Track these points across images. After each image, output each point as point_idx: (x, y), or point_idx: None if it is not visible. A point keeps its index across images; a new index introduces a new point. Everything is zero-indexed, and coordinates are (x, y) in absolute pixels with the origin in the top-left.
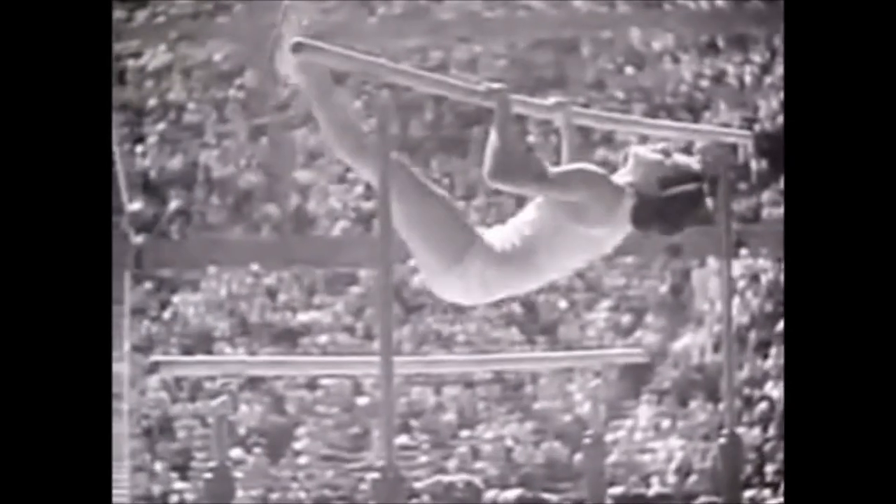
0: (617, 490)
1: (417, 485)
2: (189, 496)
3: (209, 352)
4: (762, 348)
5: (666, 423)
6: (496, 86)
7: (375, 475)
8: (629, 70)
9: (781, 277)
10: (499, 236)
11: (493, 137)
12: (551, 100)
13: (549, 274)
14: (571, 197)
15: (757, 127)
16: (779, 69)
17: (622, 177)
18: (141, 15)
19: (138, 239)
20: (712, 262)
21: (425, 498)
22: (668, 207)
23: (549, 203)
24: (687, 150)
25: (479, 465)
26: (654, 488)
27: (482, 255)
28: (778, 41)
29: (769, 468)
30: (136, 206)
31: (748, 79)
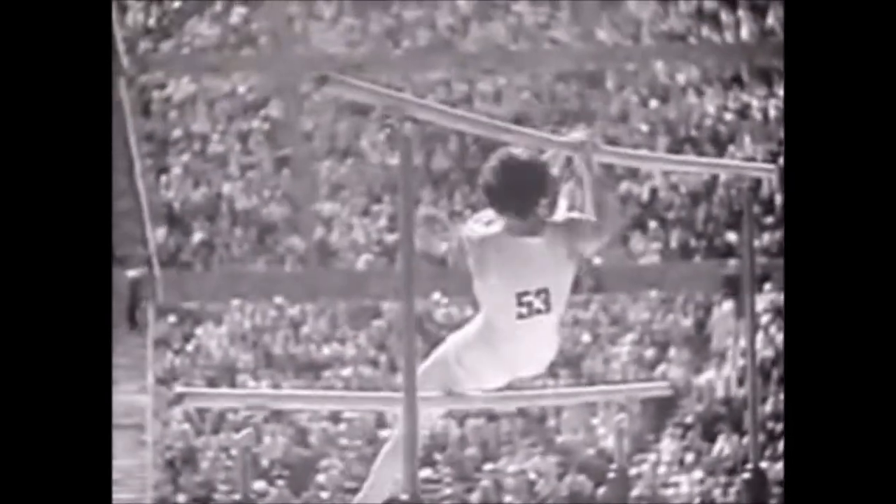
0: None
1: None
2: None
3: (232, 384)
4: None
5: (690, 457)
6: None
7: None
8: (653, 103)
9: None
10: None
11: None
12: (576, 136)
13: None
14: None
15: (781, 160)
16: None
17: None
18: (166, 46)
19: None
20: (728, 302)
21: None
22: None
23: None
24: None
25: (502, 498)
26: None
27: None
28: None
29: None
30: (159, 237)
31: (772, 112)
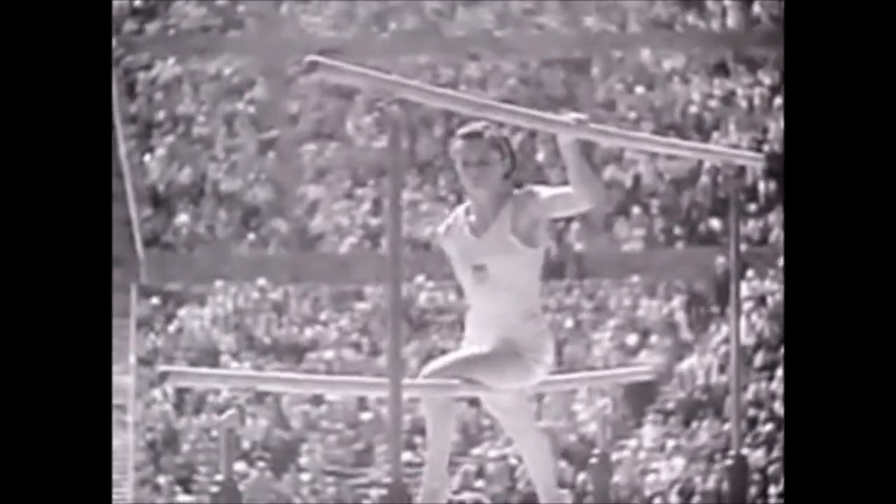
0: None
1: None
2: None
3: (214, 366)
4: (768, 370)
5: (671, 444)
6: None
7: (383, 492)
8: (639, 90)
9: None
10: None
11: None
12: (571, 116)
13: None
14: None
15: (766, 148)
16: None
17: None
18: (151, 28)
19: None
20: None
21: None
22: None
23: None
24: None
25: (483, 483)
26: None
27: None
28: None
29: (773, 490)
30: (143, 218)
31: (757, 100)
